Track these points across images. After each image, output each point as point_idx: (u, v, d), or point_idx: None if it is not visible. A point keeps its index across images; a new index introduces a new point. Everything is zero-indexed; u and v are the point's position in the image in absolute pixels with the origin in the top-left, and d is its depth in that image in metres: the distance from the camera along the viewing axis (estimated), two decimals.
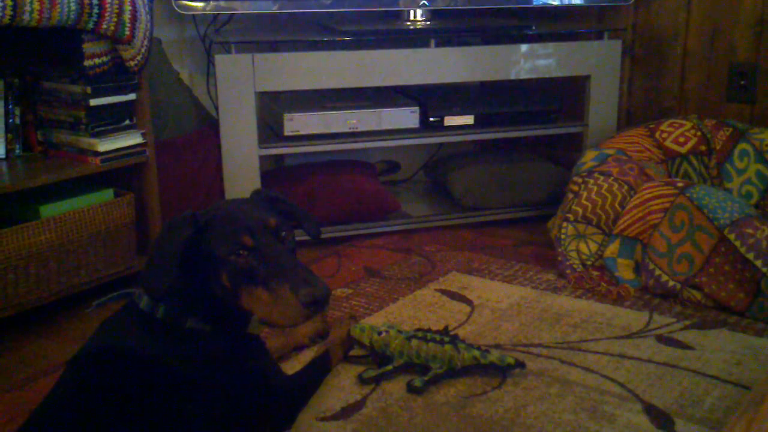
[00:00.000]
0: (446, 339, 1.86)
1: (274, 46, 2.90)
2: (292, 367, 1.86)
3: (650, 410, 1.71)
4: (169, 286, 1.41)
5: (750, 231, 2.17)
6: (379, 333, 1.89)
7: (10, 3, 1.89)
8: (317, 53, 2.73)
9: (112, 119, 2.30)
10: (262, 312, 1.44)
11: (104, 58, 2.21)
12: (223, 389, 1.47)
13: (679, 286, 2.26)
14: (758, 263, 2.13)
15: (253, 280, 1.42)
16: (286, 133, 2.73)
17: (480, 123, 2.96)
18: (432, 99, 2.98)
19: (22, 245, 2.07)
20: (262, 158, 2.72)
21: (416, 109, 2.86)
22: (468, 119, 2.94)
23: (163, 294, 1.43)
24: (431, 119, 2.91)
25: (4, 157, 2.28)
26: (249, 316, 1.51)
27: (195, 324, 1.48)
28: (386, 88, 3.01)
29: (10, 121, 2.28)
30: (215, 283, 1.45)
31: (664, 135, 2.75)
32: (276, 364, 1.71)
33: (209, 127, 2.87)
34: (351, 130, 2.80)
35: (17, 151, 2.32)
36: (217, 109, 2.71)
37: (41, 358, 2.03)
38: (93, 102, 2.23)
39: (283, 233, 1.48)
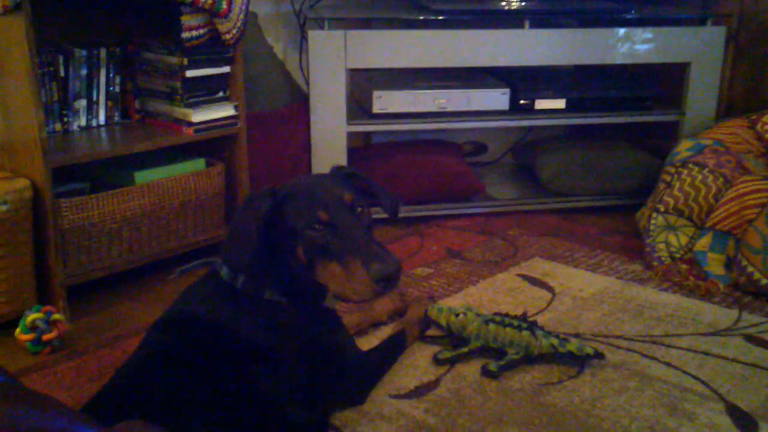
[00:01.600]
0: (524, 325, 1.84)
1: (366, 23, 2.90)
2: (369, 342, 1.88)
3: (733, 411, 1.66)
4: (249, 258, 1.45)
5: None
6: (457, 315, 1.89)
7: None
8: (409, 31, 2.72)
9: (207, 91, 2.36)
10: (334, 286, 1.46)
11: (201, 31, 2.26)
12: (297, 360, 1.51)
13: None
14: None
15: (326, 254, 1.44)
16: (375, 110, 2.74)
17: (571, 107, 2.90)
18: (522, 81, 2.93)
19: (117, 209, 2.16)
20: (349, 135, 2.74)
21: (507, 90, 2.83)
22: (559, 103, 2.89)
23: (243, 265, 1.48)
24: (521, 102, 2.86)
25: (104, 123, 2.37)
26: (325, 290, 1.53)
27: (272, 296, 1.52)
28: (476, 68, 2.98)
29: (111, 89, 2.37)
30: (291, 257, 1.48)
31: (766, 127, 2.64)
32: (351, 338, 1.74)
33: (300, 102, 2.90)
34: (440, 109, 2.79)
35: (116, 118, 2.41)
36: (308, 84, 2.74)
37: (130, 319, 2.11)
38: (189, 73, 2.30)
39: (359, 209, 1.50)
